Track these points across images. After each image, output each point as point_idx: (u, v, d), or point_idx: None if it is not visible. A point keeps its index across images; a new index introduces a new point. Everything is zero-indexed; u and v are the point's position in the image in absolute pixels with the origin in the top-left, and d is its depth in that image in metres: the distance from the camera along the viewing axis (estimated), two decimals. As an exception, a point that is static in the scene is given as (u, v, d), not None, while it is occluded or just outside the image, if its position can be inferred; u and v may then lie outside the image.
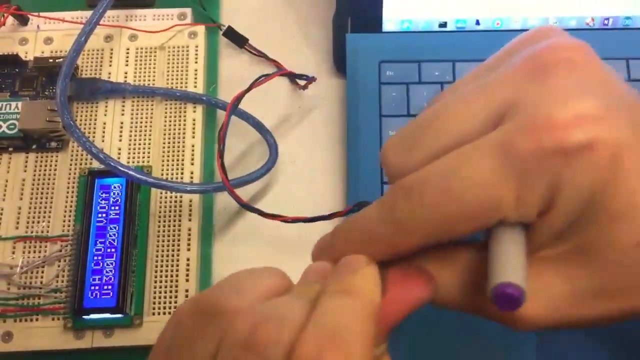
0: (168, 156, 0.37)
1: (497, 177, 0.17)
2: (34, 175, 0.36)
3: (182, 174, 0.37)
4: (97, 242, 0.34)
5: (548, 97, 0.18)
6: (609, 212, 0.17)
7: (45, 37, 0.40)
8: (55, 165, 0.37)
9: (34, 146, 0.37)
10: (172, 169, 0.37)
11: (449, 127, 0.19)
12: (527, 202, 0.17)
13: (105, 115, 0.38)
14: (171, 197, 0.36)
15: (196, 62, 0.39)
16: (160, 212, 0.36)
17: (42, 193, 0.36)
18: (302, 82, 0.40)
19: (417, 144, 0.20)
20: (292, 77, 0.40)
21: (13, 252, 0.35)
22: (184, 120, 0.38)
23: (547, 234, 0.18)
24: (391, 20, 0.39)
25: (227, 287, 0.20)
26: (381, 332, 0.19)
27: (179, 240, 0.35)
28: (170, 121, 0.38)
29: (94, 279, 0.33)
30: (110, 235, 0.34)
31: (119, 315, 0.33)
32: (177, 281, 0.34)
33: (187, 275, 0.34)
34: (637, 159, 0.17)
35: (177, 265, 0.34)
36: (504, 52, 0.21)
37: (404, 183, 0.19)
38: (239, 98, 0.34)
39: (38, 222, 0.35)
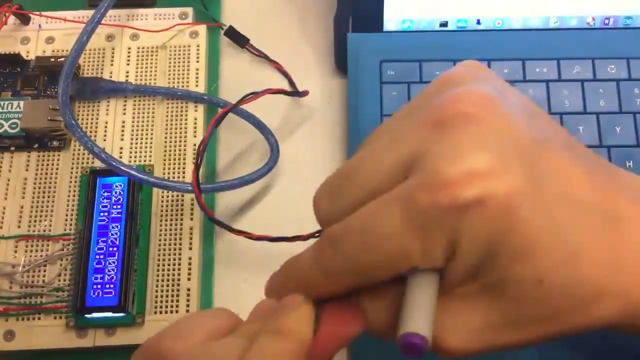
0: (170, 155, 0.37)
1: (403, 231, 0.18)
2: (36, 175, 0.37)
3: (183, 172, 0.37)
4: (99, 241, 0.34)
5: (443, 153, 0.18)
6: (508, 256, 0.18)
7: (47, 36, 0.40)
8: (57, 165, 0.37)
9: (35, 145, 0.37)
10: (174, 168, 0.37)
11: (365, 179, 0.20)
12: (431, 253, 0.19)
13: (107, 114, 0.38)
14: (173, 196, 0.36)
15: (197, 62, 0.40)
16: (162, 210, 0.36)
17: (44, 192, 0.36)
18: (301, 89, 0.40)
19: (340, 194, 0.21)
20: (284, 93, 0.38)
21: (15, 251, 0.35)
22: (186, 120, 0.38)
23: (457, 277, 0.19)
24: (392, 19, 0.39)
25: (172, 331, 0.21)
26: None
27: (180, 239, 0.35)
28: (171, 120, 0.38)
29: (96, 278, 0.33)
30: (112, 234, 0.34)
31: (121, 314, 0.33)
32: (179, 280, 0.34)
33: (189, 274, 0.34)
34: (531, 205, 0.18)
35: (179, 264, 0.35)
36: (421, 97, 0.22)
37: (329, 232, 0.20)
38: (221, 117, 0.33)
39: (40, 221, 0.36)
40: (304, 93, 0.39)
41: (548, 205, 0.18)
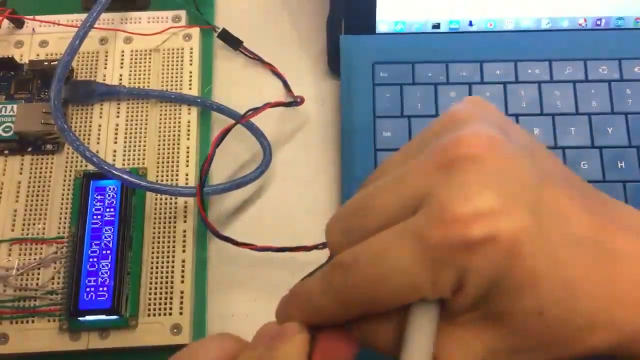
0: (163, 158, 0.37)
1: (413, 264, 0.19)
2: (30, 178, 0.37)
3: (177, 175, 0.37)
4: (93, 244, 0.34)
5: (452, 193, 0.19)
6: (512, 288, 0.19)
7: (41, 40, 0.40)
8: (51, 168, 0.37)
9: (29, 149, 0.37)
10: (168, 171, 0.37)
11: (375, 213, 0.21)
12: (440, 286, 0.19)
13: (100, 117, 0.38)
14: (166, 199, 0.36)
15: (191, 64, 0.40)
16: (155, 213, 0.36)
17: (37, 195, 0.36)
18: (296, 96, 0.40)
19: (351, 228, 0.22)
20: (283, 105, 0.39)
21: (9, 255, 0.35)
22: (179, 122, 0.38)
23: (461, 307, 0.20)
24: (385, 21, 0.40)
25: (182, 357, 0.22)
26: None
27: (174, 242, 0.35)
28: (165, 123, 0.38)
29: (89, 281, 0.33)
30: (105, 237, 0.34)
31: (115, 317, 0.33)
32: (172, 283, 0.34)
33: (183, 276, 0.34)
34: (535, 242, 0.19)
35: (172, 267, 0.35)
36: (425, 133, 0.23)
37: (340, 259, 0.21)
38: (224, 133, 0.34)
39: (34, 224, 0.36)
40: (300, 101, 0.39)
41: (549, 242, 0.20)
